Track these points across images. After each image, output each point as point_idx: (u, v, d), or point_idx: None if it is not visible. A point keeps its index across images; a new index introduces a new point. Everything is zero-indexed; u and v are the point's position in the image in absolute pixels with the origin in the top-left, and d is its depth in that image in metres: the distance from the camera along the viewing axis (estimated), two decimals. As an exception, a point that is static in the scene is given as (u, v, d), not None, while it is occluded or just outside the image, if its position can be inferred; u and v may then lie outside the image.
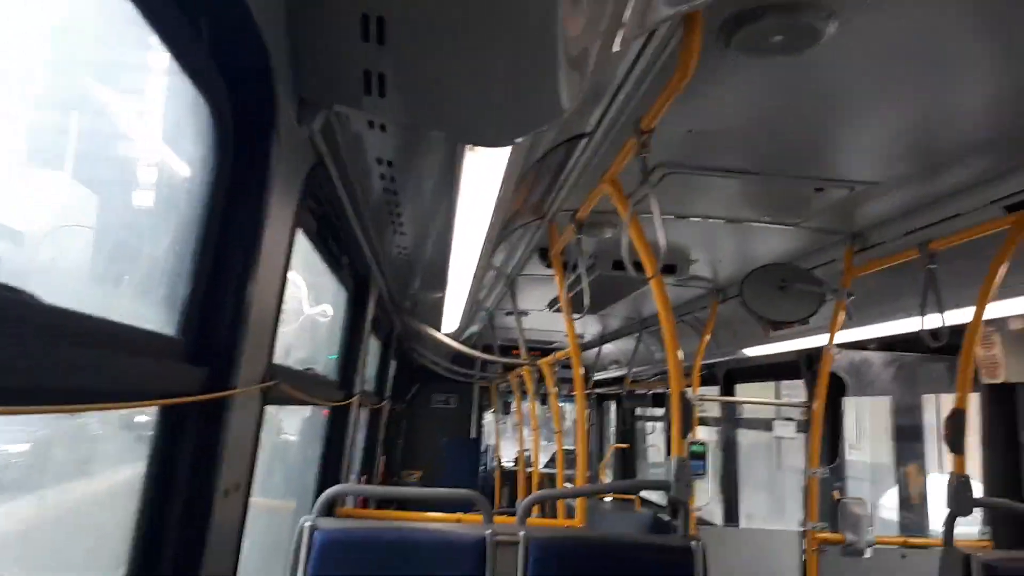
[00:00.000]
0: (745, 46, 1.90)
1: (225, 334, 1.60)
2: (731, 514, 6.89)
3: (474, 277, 3.93)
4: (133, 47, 1.43)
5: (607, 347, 8.59)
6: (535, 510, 3.59)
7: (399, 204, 2.77)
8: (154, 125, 1.58)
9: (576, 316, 3.94)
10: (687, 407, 2.72)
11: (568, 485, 6.16)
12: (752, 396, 7.24)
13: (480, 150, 1.94)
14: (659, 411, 9.13)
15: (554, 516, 5.32)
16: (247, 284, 1.63)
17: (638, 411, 10.30)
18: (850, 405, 5.46)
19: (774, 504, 7.85)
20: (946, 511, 3.07)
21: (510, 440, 12.03)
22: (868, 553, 3.96)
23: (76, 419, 1.51)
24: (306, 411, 4.10)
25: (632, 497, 8.38)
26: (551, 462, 10.58)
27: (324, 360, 4.07)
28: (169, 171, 1.60)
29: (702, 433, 6.88)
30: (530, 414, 7.43)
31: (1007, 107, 2.23)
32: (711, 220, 3.58)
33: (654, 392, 8.95)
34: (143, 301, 1.51)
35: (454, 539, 2.73)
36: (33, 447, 1.44)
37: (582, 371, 4.23)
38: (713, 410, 7.52)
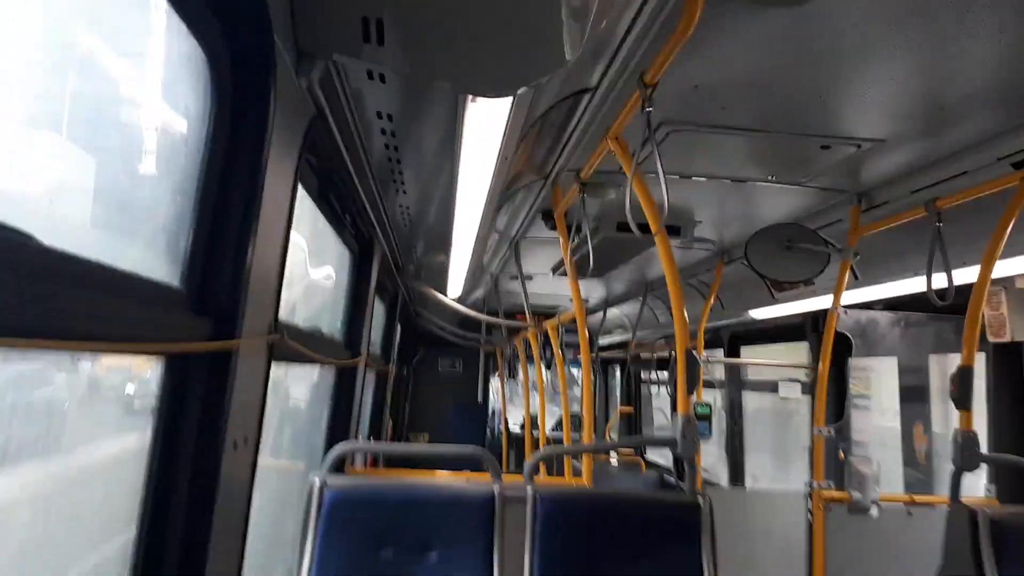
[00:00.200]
0: (751, -5, 1.86)
1: (228, 285, 1.61)
2: (737, 476, 6.95)
3: (477, 239, 3.93)
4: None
5: (612, 311, 8.60)
6: (542, 469, 3.63)
7: (401, 161, 2.75)
8: (153, 78, 1.57)
9: (581, 278, 3.94)
10: (693, 365, 2.72)
11: None
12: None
13: (482, 103, 1.92)
14: (664, 374, 9.16)
15: (561, 477, 5.38)
16: (248, 236, 1.63)
17: (643, 375, 10.34)
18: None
19: (779, 470, 7.90)
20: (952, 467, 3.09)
21: (516, 404, 12.12)
22: (874, 511, 3.99)
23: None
24: (314, 376, 4.13)
25: (638, 459, 8.46)
26: (558, 426, 10.66)
27: (329, 324, 4.09)
28: (168, 123, 1.59)
29: (707, 396, 6.91)
30: (536, 377, 7.47)
31: (1016, 61, 2.18)
32: (715, 180, 3.55)
33: (659, 356, 8.98)
34: (144, 251, 1.51)
35: (463, 495, 2.75)
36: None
37: (587, 334, 4.23)
38: (718, 374, 7.54)
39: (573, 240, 3.89)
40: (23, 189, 1.20)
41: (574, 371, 10.47)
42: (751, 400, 7.37)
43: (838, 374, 5.14)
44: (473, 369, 12.72)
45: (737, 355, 6.99)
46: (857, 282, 4.08)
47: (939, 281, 3.08)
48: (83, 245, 1.17)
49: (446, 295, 6.14)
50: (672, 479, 7.51)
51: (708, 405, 5.72)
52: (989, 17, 1.95)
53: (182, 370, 1.59)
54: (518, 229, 4.67)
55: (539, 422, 7.30)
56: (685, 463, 2.87)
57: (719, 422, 7.17)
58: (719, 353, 6.99)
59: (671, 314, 3.65)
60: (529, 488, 2.74)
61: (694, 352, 2.75)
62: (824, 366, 4.06)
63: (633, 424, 10.62)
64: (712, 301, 5.38)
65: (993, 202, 2.86)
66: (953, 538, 3.02)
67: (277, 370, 2.07)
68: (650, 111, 2.24)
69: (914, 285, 3.84)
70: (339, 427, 4.07)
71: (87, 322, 1.14)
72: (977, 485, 4.09)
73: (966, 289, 3.07)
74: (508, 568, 2.61)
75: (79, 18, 1.32)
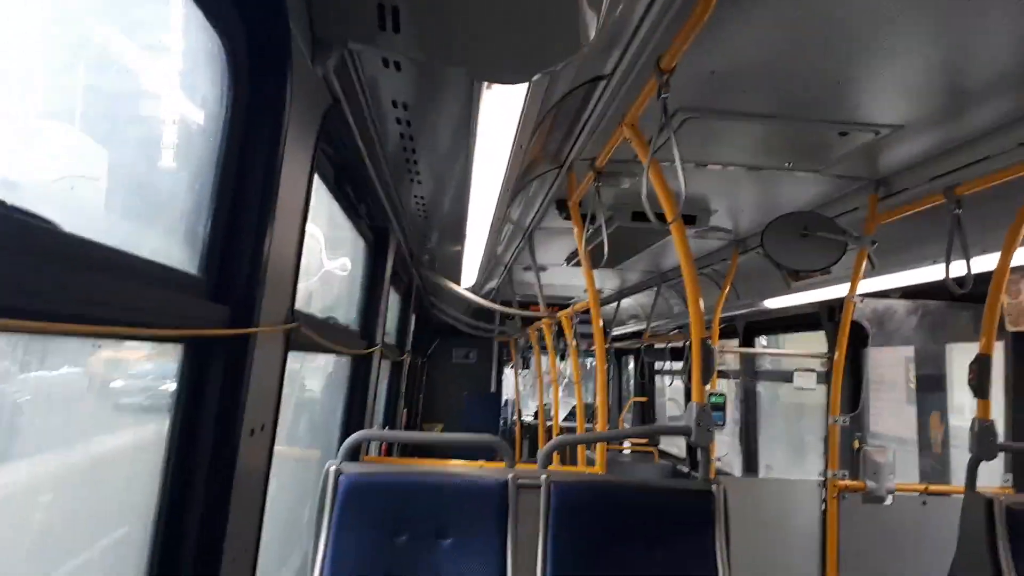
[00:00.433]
0: (768, -22, 1.85)
1: (246, 274, 1.62)
2: (751, 465, 6.94)
3: (492, 229, 3.93)
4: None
5: (626, 302, 8.58)
6: (555, 459, 3.63)
7: (416, 151, 2.75)
8: (170, 68, 1.57)
9: (595, 268, 3.94)
10: (708, 354, 2.72)
11: None
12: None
13: (497, 90, 1.92)
14: (678, 364, 9.15)
15: (575, 466, 5.38)
16: (265, 225, 1.64)
17: (656, 365, 10.34)
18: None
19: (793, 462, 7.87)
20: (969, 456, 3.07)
21: (530, 394, 12.14)
22: (889, 500, 3.97)
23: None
24: (329, 367, 4.15)
25: (651, 450, 8.46)
26: (571, 415, 10.68)
27: (345, 314, 4.11)
28: (185, 113, 1.60)
29: (721, 386, 6.90)
30: (550, 367, 7.48)
31: None
32: (732, 168, 3.52)
33: (672, 346, 8.97)
34: (164, 240, 1.52)
35: (477, 482, 2.76)
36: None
37: (601, 324, 4.23)
38: (733, 364, 7.52)
39: (587, 230, 3.88)
40: (46, 179, 1.21)
41: (587, 361, 10.48)
42: (766, 390, 7.35)
43: (854, 364, 5.11)
44: (487, 359, 12.76)
45: (752, 345, 6.96)
46: (874, 270, 4.04)
47: (957, 269, 3.05)
48: (105, 233, 1.18)
49: (460, 285, 6.15)
50: (685, 469, 7.51)
51: (722, 395, 5.70)
52: None
53: (200, 357, 1.60)
54: (532, 219, 4.66)
55: (552, 412, 7.32)
56: (699, 452, 2.87)
57: (733, 412, 7.16)
58: (734, 343, 6.97)
59: (685, 304, 3.62)
60: (543, 475, 2.75)
61: (709, 342, 2.74)
62: (840, 355, 4.04)
63: (647, 414, 10.63)
64: (727, 290, 5.36)
65: (1014, 188, 2.82)
66: (968, 527, 3.01)
67: (293, 359, 2.08)
68: (667, 97, 2.23)
69: (932, 273, 3.80)
70: (354, 416, 4.09)
71: (108, 308, 1.15)
72: (994, 475, 4.06)
73: (985, 277, 3.03)
74: (522, 555, 2.63)
75: (96, 10, 1.33)
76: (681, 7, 1.92)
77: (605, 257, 3.51)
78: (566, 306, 5.72)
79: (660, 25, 2.03)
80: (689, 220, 4.36)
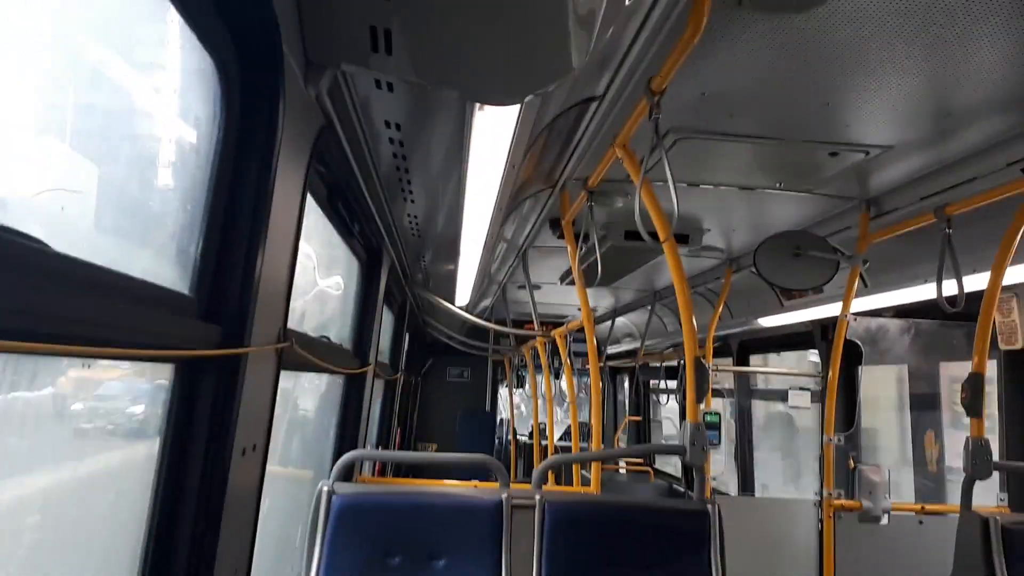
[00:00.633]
0: (756, 2, 1.87)
1: (237, 293, 1.62)
2: (746, 485, 6.91)
3: (485, 248, 3.93)
4: (139, 4, 1.42)
5: (620, 320, 8.59)
6: (550, 479, 3.62)
7: (409, 170, 2.77)
8: (164, 88, 1.58)
9: (589, 287, 3.94)
10: (702, 373, 2.72)
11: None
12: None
13: (489, 111, 1.93)
14: (672, 383, 9.15)
15: (570, 486, 5.36)
16: (258, 245, 1.64)
17: (651, 384, 10.32)
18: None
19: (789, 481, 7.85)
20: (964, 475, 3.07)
21: (525, 414, 12.10)
22: (885, 520, 3.96)
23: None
24: (322, 384, 4.14)
25: (647, 469, 8.43)
26: (566, 435, 10.64)
27: (338, 333, 4.10)
28: (179, 133, 1.61)
29: (715, 405, 6.88)
30: (544, 386, 7.47)
31: (1023, 66, 2.18)
32: (723, 188, 3.55)
33: (667, 365, 8.97)
34: (155, 259, 1.52)
35: (471, 502, 2.74)
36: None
37: (595, 342, 4.23)
38: (727, 382, 7.51)
39: (581, 248, 3.89)
40: (35, 197, 1.21)
41: (582, 380, 10.46)
42: (760, 409, 7.34)
43: (848, 382, 5.11)
44: (481, 378, 12.71)
45: (746, 363, 6.96)
46: (866, 289, 4.06)
47: (949, 288, 3.06)
48: (95, 252, 1.18)
49: (454, 304, 6.15)
50: (681, 488, 7.48)
51: (717, 413, 5.69)
52: (995, 21, 1.94)
53: (192, 377, 1.60)
54: (526, 238, 4.68)
55: (547, 431, 7.29)
56: (694, 471, 2.86)
57: (728, 431, 7.15)
58: (728, 362, 6.97)
59: (679, 322, 3.62)
60: (537, 495, 2.73)
61: (703, 360, 2.74)
62: (834, 374, 4.05)
63: (642, 433, 10.59)
64: (721, 309, 5.37)
65: (1003, 208, 2.85)
66: (964, 546, 3.00)
67: (286, 378, 2.07)
68: (658, 118, 2.25)
69: (924, 292, 3.82)
70: (347, 435, 4.07)
71: (98, 328, 1.15)
72: (989, 494, 4.06)
73: (977, 296, 3.05)
74: (517, 575, 2.61)
75: (91, 30, 1.33)
76: (672, 30, 1.95)
77: (599, 276, 3.52)
78: (560, 325, 5.72)
79: (651, 47, 2.05)
80: (682, 239, 4.38)
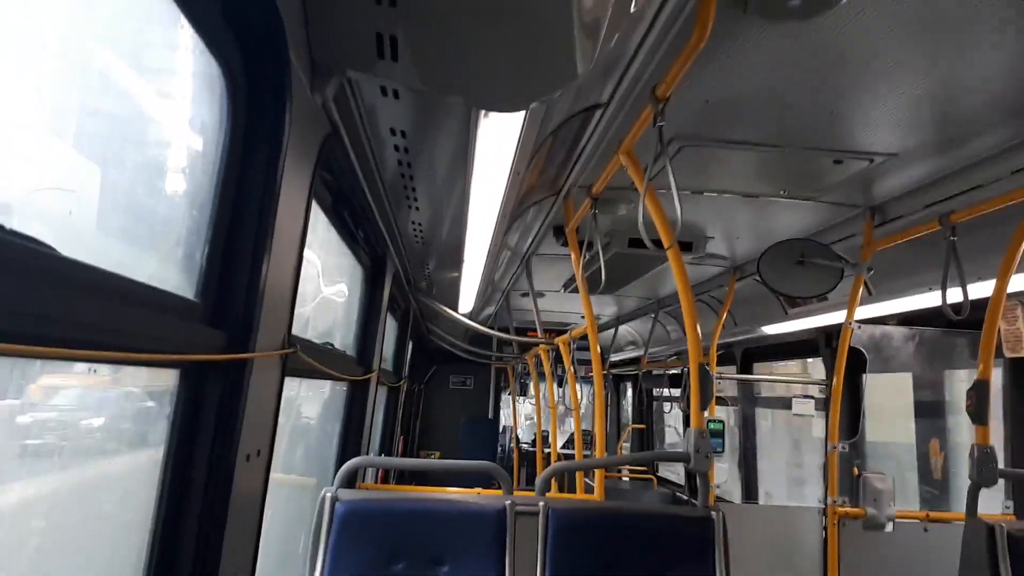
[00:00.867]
0: (761, 9, 1.88)
1: (243, 299, 1.62)
2: (750, 492, 6.89)
3: (489, 255, 3.94)
4: (147, 10, 1.43)
5: (623, 328, 8.58)
6: (553, 486, 3.61)
7: (414, 177, 2.77)
8: (171, 94, 1.59)
9: (592, 294, 3.95)
10: (706, 379, 2.71)
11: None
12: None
13: (494, 118, 1.94)
14: (676, 391, 9.13)
15: (573, 494, 5.34)
16: (263, 251, 1.64)
17: (655, 392, 10.30)
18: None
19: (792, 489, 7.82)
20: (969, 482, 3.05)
21: (528, 421, 12.07)
22: (889, 527, 3.94)
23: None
24: (325, 393, 4.14)
25: (650, 477, 8.40)
26: (569, 443, 10.61)
27: (342, 340, 4.10)
28: (185, 139, 1.62)
29: (719, 413, 6.86)
30: (548, 394, 7.46)
31: None
32: (727, 195, 3.55)
33: (670, 372, 8.95)
34: (162, 265, 1.52)
35: (474, 509, 2.73)
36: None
37: (599, 350, 4.23)
38: (731, 390, 7.50)
39: (585, 256, 3.90)
40: (43, 201, 1.22)
41: (584, 389, 10.45)
42: (764, 417, 7.32)
43: (852, 390, 5.10)
44: (484, 385, 12.70)
45: (750, 371, 6.95)
46: (871, 297, 4.05)
47: (954, 295, 3.06)
48: (102, 256, 1.19)
49: (457, 311, 6.15)
50: (684, 496, 7.45)
51: (721, 421, 5.67)
52: (1001, 29, 1.95)
53: (197, 382, 1.60)
54: (529, 245, 4.68)
55: (550, 438, 7.27)
56: (698, 478, 2.85)
57: (731, 439, 7.12)
58: (732, 370, 6.95)
59: (683, 330, 3.62)
60: (541, 502, 2.72)
61: (706, 368, 2.74)
62: (838, 382, 4.03)
63: (645, 440, 10.57)
64: (725, 317, 5.36)
65: (1008, 216, 2.84)
66: (970, 554, 2.98)
67: (290, 385, 2.08)
68: (662, 125, 2.25)
69: (929, 300, 3.81)
70: (351, 442, 4.07)
71: (105, 332, 1.16)
72: (994, 502, 4.04)
73: (982, 303, 3.04)
74: None
75: (99, 36, 1.34)
76: (676, 37, 1.95)
77: (602, 283, 3.52)
78: (564, 332, 5.72)
79: (656, 55, 2.05)
80: (686, 247, 4.37)
